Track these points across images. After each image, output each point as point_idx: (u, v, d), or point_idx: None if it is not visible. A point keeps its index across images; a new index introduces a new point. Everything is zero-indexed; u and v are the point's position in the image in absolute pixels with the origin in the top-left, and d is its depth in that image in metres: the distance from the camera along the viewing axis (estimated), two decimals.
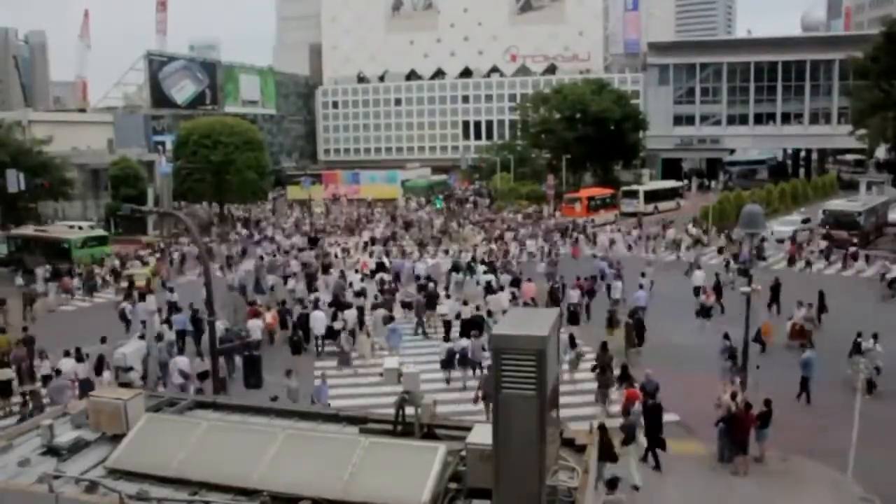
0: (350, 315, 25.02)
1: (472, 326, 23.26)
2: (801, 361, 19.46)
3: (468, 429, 6.96)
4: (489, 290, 28.82)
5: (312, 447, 7.12)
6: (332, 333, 24.30)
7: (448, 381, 21.16)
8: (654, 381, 17.75)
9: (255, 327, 24.01)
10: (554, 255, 38.06)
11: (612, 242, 42.26)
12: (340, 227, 54.91)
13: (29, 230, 44.82)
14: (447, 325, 25.37)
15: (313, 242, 44.36)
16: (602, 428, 12.67)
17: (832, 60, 74.74)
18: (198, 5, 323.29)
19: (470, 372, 21.18)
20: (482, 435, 6.33)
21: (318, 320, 24.77)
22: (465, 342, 21.65)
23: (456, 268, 33.38)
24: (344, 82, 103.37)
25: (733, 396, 16.13)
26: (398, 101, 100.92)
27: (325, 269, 34.86)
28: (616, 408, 18.16)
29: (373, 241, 44.77)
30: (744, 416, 15.30)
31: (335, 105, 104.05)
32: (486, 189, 73.46)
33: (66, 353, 20.86)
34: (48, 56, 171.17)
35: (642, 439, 15.52)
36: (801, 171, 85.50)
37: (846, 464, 14.05)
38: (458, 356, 21.17)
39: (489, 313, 24.95)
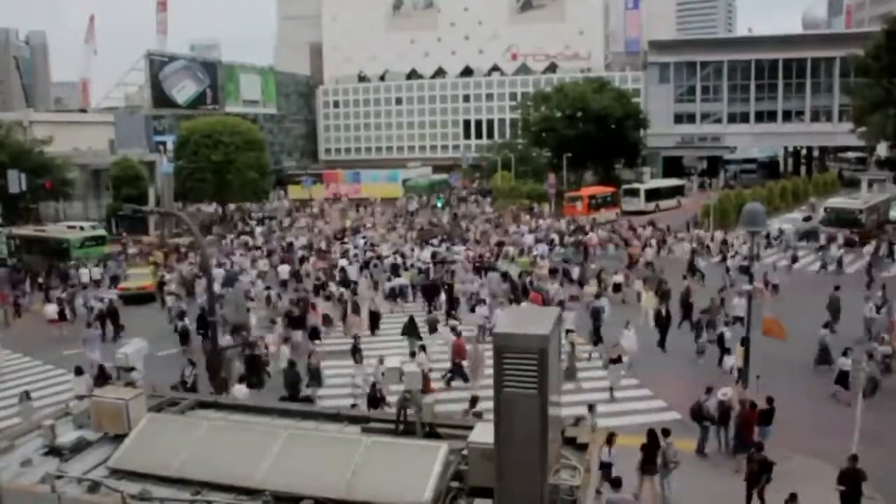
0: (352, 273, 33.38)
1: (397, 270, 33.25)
2: (591, 310, 23.28)
3: (470, 428, 6.96)
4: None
5: (314, 447, 7.12)
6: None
7: (392, 311, 28.44)
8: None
9: (284, 271, 33.52)
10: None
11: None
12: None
13: (28, 230, 44.90)
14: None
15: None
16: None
17: (833, 58, 74.66)
18: (198, 5, 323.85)
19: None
20: (484, 434, 6.33)
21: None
22: (400, 280, 31.24)
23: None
24: (345, 82, 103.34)
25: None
26: (399, 101, 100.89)
27: (299, 319, 25.14)
28: None
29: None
30: (747, 414, 15.27)
31: (336, 104, 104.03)
32: (487, 188, 73.35)
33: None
34: (49, 57, 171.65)
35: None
36: (803, 168, 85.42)
37: None
38: (397, 289, 30.40)
39: (402, 255, 36.41)
